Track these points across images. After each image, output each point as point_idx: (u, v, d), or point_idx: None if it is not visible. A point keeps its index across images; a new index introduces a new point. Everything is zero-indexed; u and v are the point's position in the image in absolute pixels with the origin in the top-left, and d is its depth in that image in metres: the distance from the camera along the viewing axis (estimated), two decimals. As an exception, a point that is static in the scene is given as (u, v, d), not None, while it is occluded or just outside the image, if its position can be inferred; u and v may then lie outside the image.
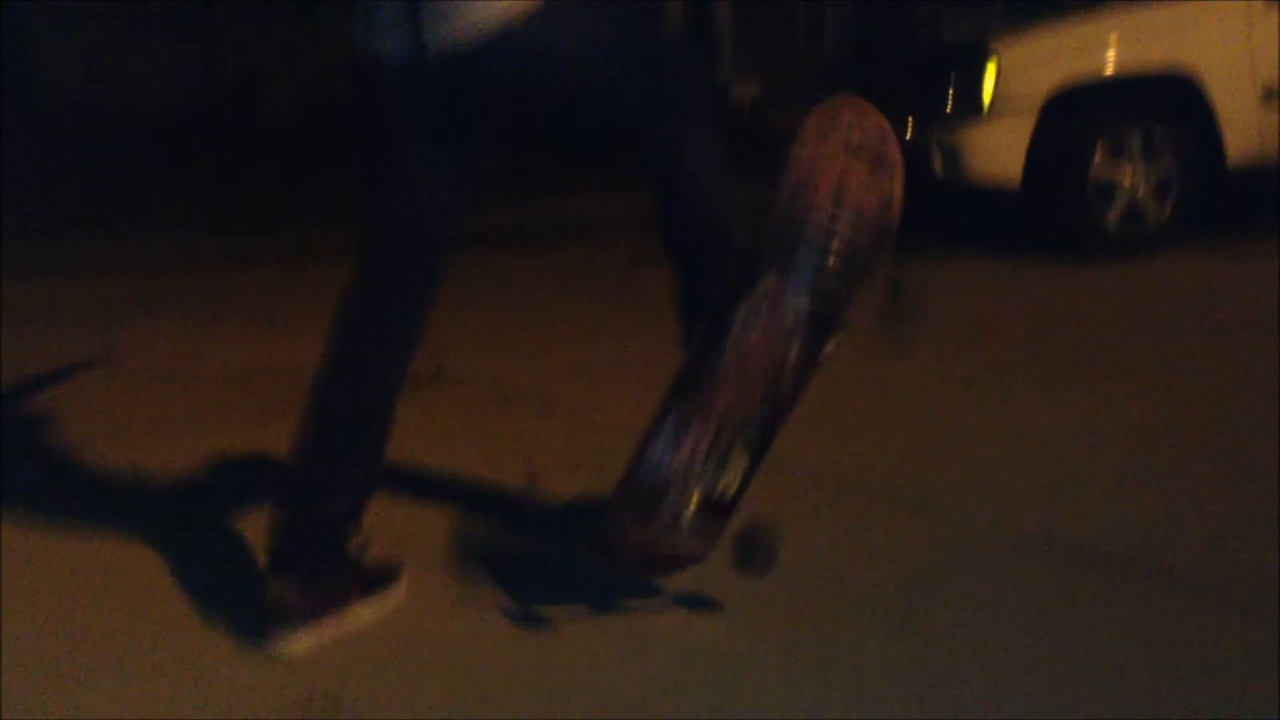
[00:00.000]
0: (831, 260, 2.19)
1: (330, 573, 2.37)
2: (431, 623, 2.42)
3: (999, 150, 6.20)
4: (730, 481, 2.20)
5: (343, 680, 2.21)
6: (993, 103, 6.20)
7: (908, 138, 6.90)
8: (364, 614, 2.41)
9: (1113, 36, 6.26)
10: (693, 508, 2.19)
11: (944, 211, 6.99)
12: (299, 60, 14.59)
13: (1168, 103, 6.16)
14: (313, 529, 2.36)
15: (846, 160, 2.21)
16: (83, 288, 6.61)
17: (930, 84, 6.76)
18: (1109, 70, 6.18)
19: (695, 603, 2.40)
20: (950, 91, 6.47)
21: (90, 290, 6.53)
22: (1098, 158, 6.12)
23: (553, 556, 2.70)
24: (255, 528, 2.99)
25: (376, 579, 2.47)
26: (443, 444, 3.55)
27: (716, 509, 2.21)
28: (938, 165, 6.40)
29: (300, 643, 2.31)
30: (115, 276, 6.89)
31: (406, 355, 2.38)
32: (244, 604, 2.47)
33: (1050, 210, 6.21)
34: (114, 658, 2.34)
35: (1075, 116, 6.11)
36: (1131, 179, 6.15)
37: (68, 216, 8.75)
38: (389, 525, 2.69)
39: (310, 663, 2.28)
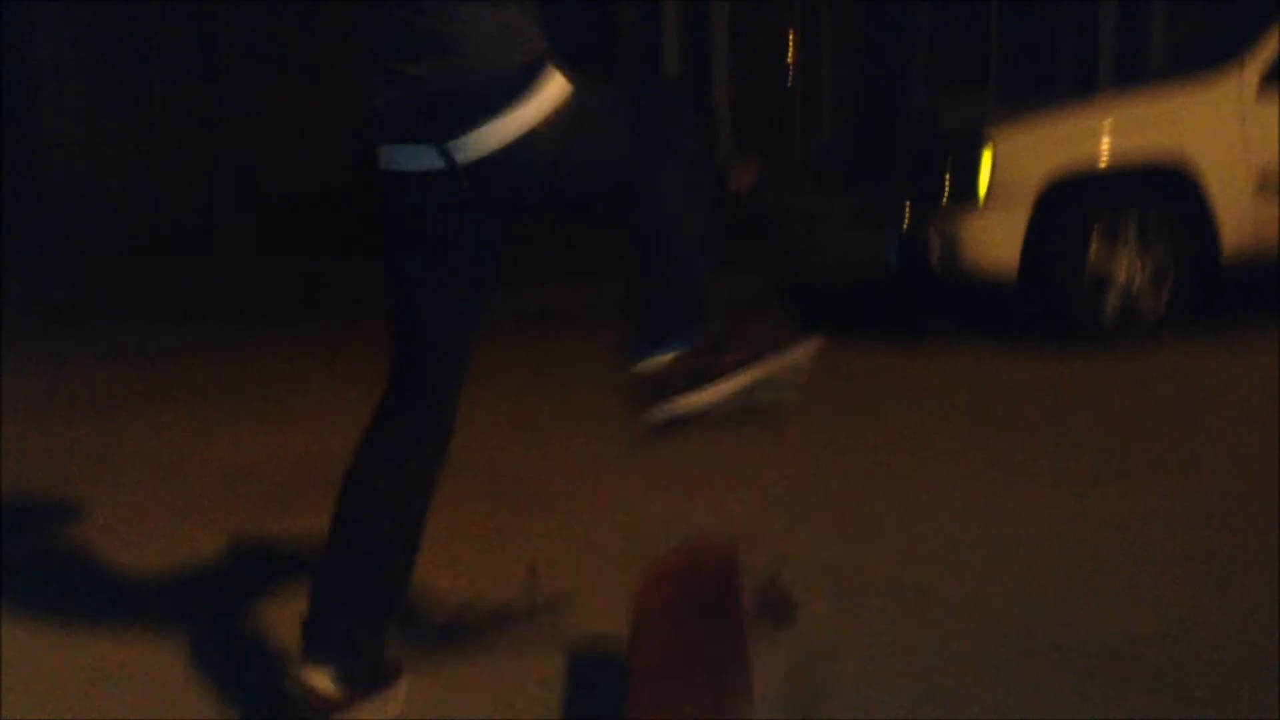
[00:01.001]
0: None
1: (365, 666, 2.36)
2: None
3: (995, 241, 6.23)
4: None
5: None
6: (988, 192, 6.24)
7: (904, 227, 6.96)
8: (368, 711, 2.38)
9: (1107, 126, 6.33)
10: None
11: (942, 300, 7.04)
12: (301, 148, 14.71)
13: (1163, 193, 6.21)
14: (353, 621, 2.35)
15: (679, 632, 2.22)
16: (82, 377, 6.60)
17: (926, 172, 6.83)
18: (1103, 160, 6.24)
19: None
20: (946, 180, 6.52)
21: (90, 380, 6.52)
22: (1093, 249, 6.15)
23: (549, 658, 2.67)
24: (258, 618, 2.99)
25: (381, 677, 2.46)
26: (439, 535, 3.52)
27: None
28: (934, 255, 6.44)
29: None
30: (115, 366, 6.89)
31: (437, 461, 2.40)
32: (250, 693, 2.45)
33: (1047, 301, 6.23)
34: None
35: (1070, 207, 6.15)
36: (1128, 270, 6.17)
37: (67, 306, 8.78)
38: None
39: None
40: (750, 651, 2.16)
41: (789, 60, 16.22)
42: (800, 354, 2.33)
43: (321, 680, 2.30)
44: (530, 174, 2.20)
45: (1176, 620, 2.74)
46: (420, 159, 2.20)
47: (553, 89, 2.18)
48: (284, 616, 2.94)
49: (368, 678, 2.36)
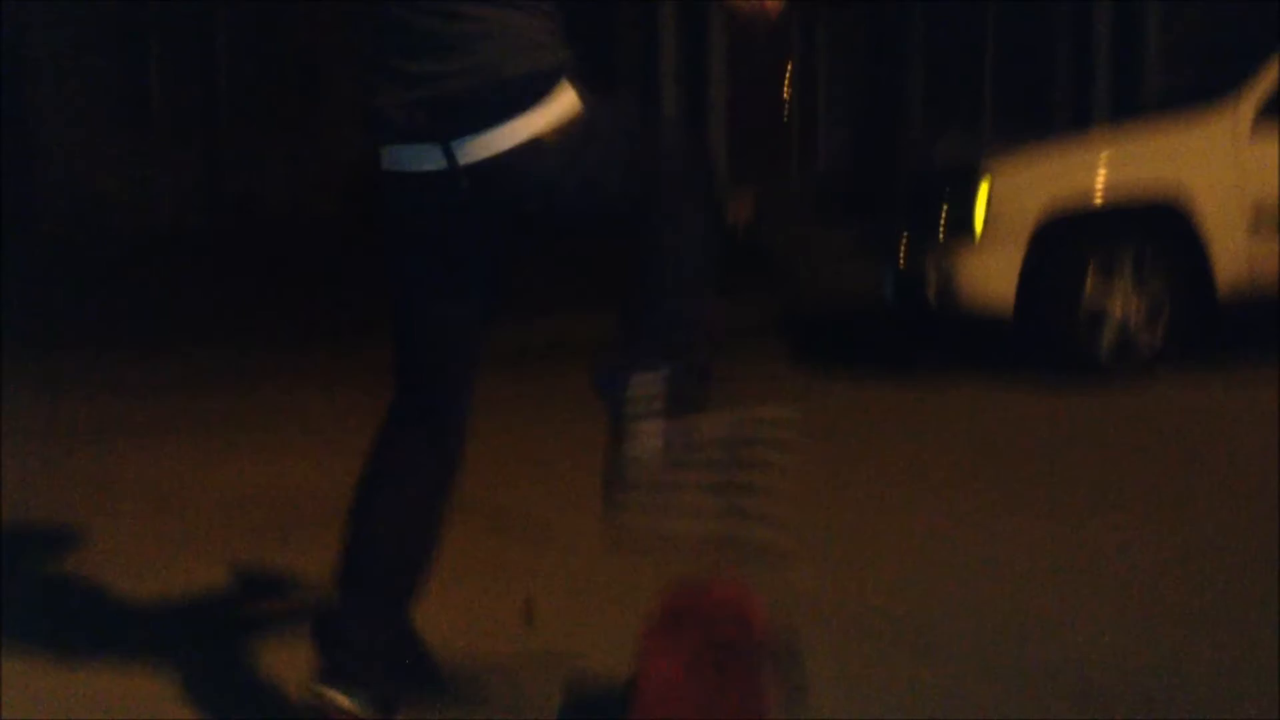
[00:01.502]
0: None
1: (388, 688, 2.37)
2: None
3: (992, 277, 6.25)
4: None
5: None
6: (985, 227, 6.27)
7: (901, 260, 6.99)
8: None
9: (1102, 160, 6.36)
10: None
11: (939, 334, 7.06)
12: (298, 177, 14.73)
13: (1158, 228, 6.24)
14: (375, 643, 2.36)
15: (692, 679, 2.15)
16: (80, 408, 6.60)
17: (922, 206, 6.86)
18: (1099, 195, 6.27)
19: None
20: (943, 214, 6.55)
21: (88, 411, 6.52)
22: (1089, 284, 6.18)
23: (547, 699, 2.67)
24: (256, 649, 2.98)
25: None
26: (440, 571, 3.53)
27: None
28: (931, 291, 6.46)
29: None
30: (113, 397, 6.88)
31: (444, 481, 2.41)
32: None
33: (1043, 337, 6.25)
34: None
35: (1066, 242, 6.18)
36: (1123, 305, 6.20)
37: (66, 328, 8.78)
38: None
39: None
40: (769, 708, 2.10)
41: (785, 95, 16.31)
42: (780, 414, 2.31)
43: (340, 698, 2.30)
44: (532, 183, 2.20)
45: (1169, 653, 2.75)
46: (422, 159, 2.20)
47: (565, 101, 2.18)
48: (282, 647, 2.95)
49: (381, 700, 2.35)
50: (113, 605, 3.43)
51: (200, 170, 14.75)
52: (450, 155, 2.17)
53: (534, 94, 2.16)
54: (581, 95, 2.21)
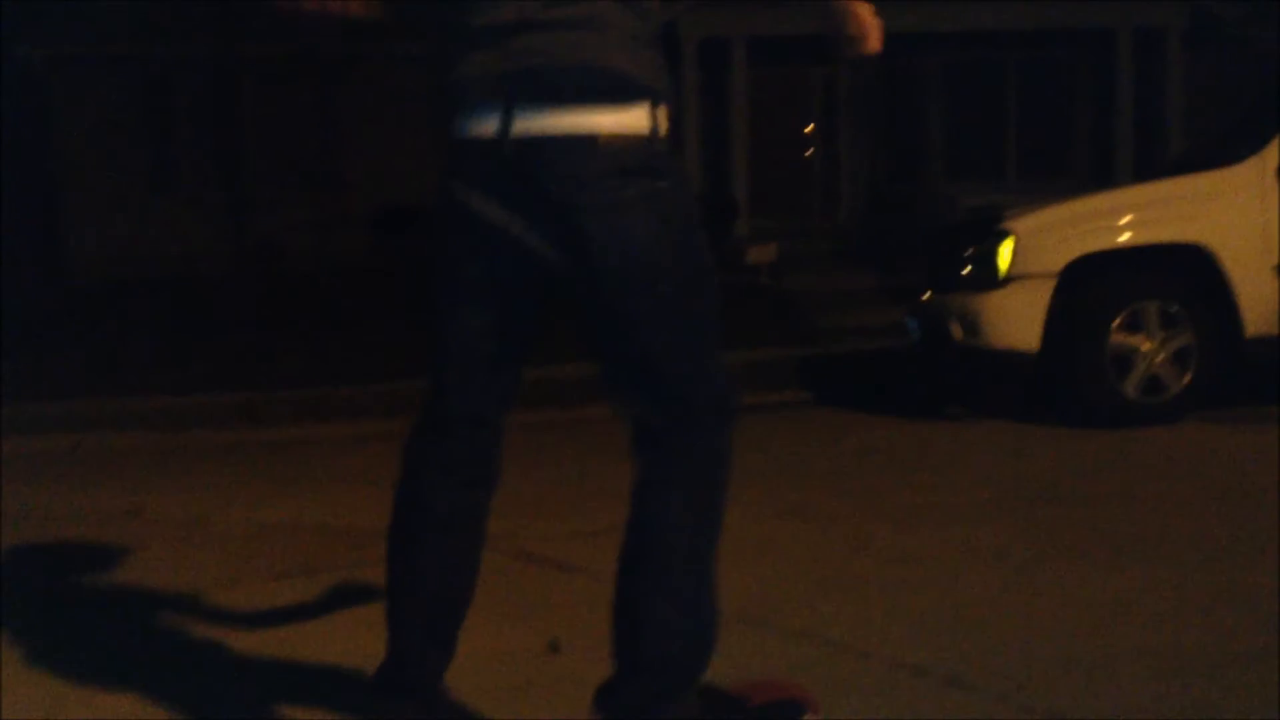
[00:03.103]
0: None
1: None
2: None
3: (1016, 319, 6.25)
4: None
5: None
6: (1009, 277, 6.28)
7: (924, 305, 7.00)
8: None
9: (1128, 212, 6.37)
10: None
11: (963, 378, 7.05)
12: (323, 218, 14.86)
13: (1184, 275, 6.24)
14: (430, 658, 2.36)
15: None
16: (106, 445, 6.64)
17: (946, 258, 6.86)
18: (1123, 245, 6.27)
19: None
20: (967, 267, 6.56)
21: (114, 447, 6.56)
22: (1115, 328, 6.17)
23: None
24: (279, 678, 2.97)
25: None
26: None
27: None
28: (956, 332, 6.45)
29: None
30: (139, 434, 6.92)
31: (480, 495, 2.38)
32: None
33: (1069, 379, 6.24)
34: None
35: (1092, 287, 6.18)
36: (1149, 349, 6.19)
37: (100, 376, 8.85)
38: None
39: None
40: None
41: (807, 152, 16.43)
42: None
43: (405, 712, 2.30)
44: (569, 193, 2.10)
45: (1198, 700, 2.71)
46: (482, 122, 2.15)
47: (639, 118, 2.12)
48: (307, 674, 2.94)
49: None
50: (136, 633, 3.42)
51: (226, 221, 14.91)
52: (507, 120, 2.12)
53: (612, 93, 2.10)
54: (667, 155, 2.15)
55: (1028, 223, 6.43)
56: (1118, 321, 6.18)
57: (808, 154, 16.52)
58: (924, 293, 7.05)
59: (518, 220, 2.17)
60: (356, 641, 2.99)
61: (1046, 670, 2.92)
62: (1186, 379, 6.19)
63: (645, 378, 2.19)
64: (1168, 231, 6.26)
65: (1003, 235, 6.35)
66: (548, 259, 2.17)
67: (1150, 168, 12.76)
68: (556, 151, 2.10)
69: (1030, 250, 6.27)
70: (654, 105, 2.15)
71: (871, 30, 2.31)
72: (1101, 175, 14.82)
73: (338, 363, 9.03)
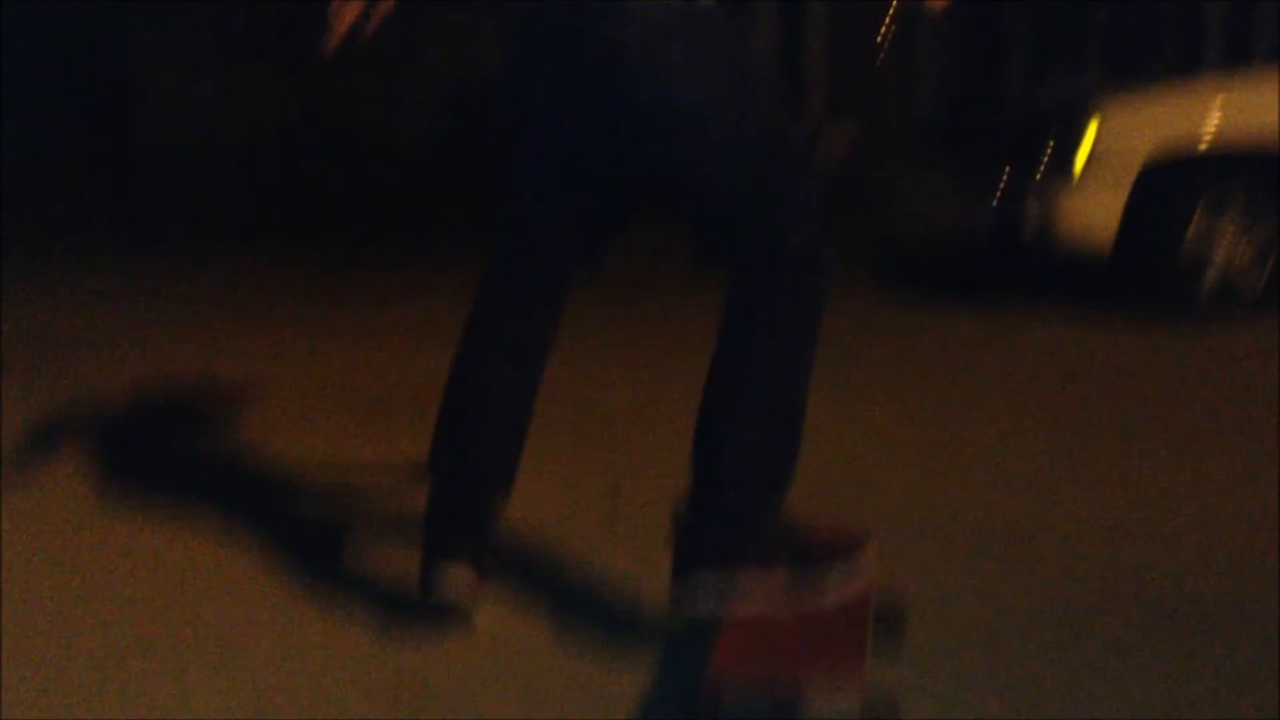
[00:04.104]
0: None
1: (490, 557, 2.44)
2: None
3: (1092, 216, 6.16)
4: None
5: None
6: (1090, 165, 6.16)
7: (999, 197, 6.89)
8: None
9: (1216, 103, 6.20)
10: None
11: (1035, 272, 6.98)
12: (398, 101, 14.76)
13: (1269, 173, 6.10)
14: (484, 514, 2.43)
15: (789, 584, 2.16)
16: (183, 303, 6.77)
17: (1026, 146, 6.73)
18: (1209, 138, 6.13)
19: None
20: (1047, 152, 6.43)
21: (192, 308, 6.68)
22: (1194, 226, 6.08)
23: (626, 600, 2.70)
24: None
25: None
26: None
27: None
28: (1030, 230, 6.37)
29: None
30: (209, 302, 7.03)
31: (538, 360, 2.44)
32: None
33: (1143, 278, 6.17)
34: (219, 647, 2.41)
35: (1173, 183, 6.06)
36: (1228, 248, 6.10)
37: (170, 240, 8.99)
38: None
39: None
40: (868, 623, 2.06)
41: (884, 29, 16.07)
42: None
43: (461, 572, 2.36)
44: (635, 89, 2.15)
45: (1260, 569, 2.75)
46: (556, 13, 2.19)
47: (700, 17, 2.14)
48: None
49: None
50: (212, 481, 3.53)
51: (300, 99, 14.82)
52: (575, 29, 2.17)
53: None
54: (720, 25, 2.16)
55: (1115, 107, 6.29)
56: (1197, 219, 6.08)
57: (883, 42, 16.18)
58: (1001, 179, 6.91)
59: (573, 76, 2.21)
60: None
61: (1107, 538, 3.03)
62: (1263, 280, 6.11)
63: (729, 226, 2.22)
64: (1255, 129, 6.09)
65: (1084, 123, 6.21)
66: (609, 114, 2.20)
67: (1240, 60, 12.40)
68: (621, 52, 2.14)
69: (1113, 138, 6.14)
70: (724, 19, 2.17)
71: None
72: (1191, 67, 14.43)
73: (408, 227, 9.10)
